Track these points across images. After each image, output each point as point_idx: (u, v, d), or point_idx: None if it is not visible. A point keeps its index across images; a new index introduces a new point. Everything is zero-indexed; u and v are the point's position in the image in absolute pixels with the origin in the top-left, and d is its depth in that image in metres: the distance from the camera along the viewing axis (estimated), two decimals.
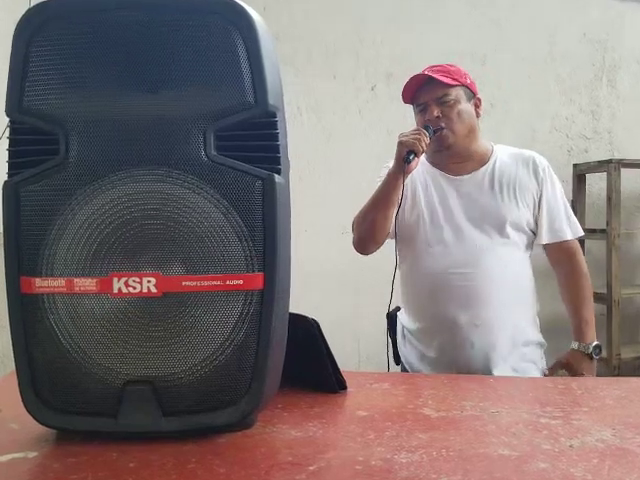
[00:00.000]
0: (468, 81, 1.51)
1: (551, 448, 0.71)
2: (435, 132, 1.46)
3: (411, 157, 1.40)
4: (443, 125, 1.47)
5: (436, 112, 1.46)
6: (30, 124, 0.71)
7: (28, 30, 0.71)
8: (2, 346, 2.28)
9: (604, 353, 2.80)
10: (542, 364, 1.53)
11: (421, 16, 2.97)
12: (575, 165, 3.05)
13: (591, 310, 1.52)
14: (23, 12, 0.71)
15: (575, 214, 1.59)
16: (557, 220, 1.51)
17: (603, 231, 2.84)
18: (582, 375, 1.44)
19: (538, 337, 1.53)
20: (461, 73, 1.51)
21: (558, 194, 1.53)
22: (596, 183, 3.09)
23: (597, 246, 2.89)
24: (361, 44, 2.95)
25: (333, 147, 2.92)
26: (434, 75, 1.46)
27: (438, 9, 2.98)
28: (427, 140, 1.42)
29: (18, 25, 0.72)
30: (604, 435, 0.75)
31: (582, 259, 1.55)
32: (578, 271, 1.53)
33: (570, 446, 0.71)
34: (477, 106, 1.54)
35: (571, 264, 1.53)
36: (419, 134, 1.41)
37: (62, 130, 0.71)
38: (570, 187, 2.98)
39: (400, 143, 1.42)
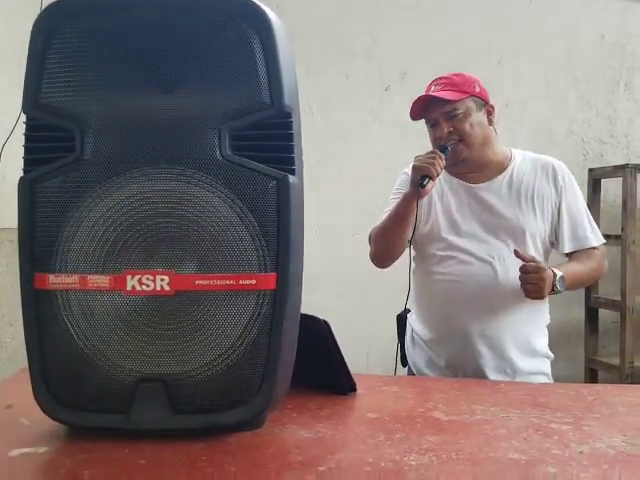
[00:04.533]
0: (477, 90, 1.47)
1: (561, 453, 0.70)
2: (451, 149, 1.43)
3: (425, 182, 1.38)
4: (456, 139, 1.44)
5: (447, 128, 1.44)
6: (46, 121, 0.72)
7: (46, 28, 0.72)
8: (13, 342, 2.30)
9: (617, 361, 2.77)
10: (549, 375, 1.51)
11: (436, 16, 2.96)
12: (590, 170, 3.02)
13: (583, 278, 1.48)
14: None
15: None
16: (580, 228, 1.48)
17: (618, 237, 2.80)
18: (532, 283, 1.35)
19: (546, 350, 1.51)
20: (469, 83, 1.47)
21: (579, 202, 1.50)
22: (612, 188, 3.06)
23: (612, 253, 2.83)
24: (374, 44, 2.94)
25: (345, 147, 2.91)
26: (438, 94, 1.43)
27: (453, 8, 2.96)
28: (443, 163, 1.39)
29: (36, 22, 0.73)
30: (615, 442, 0.74)
31: (605, 263, 1.53)
32: (598, 264, 1.49)
33: (580, 452, 0.71)
34: (490, 113, 1.50)
35: (596, 260, 1.49)
36: (434, 158, 1.39)
37: (78, 127, 0.71)
38: (585, 192, 2.95)
39: (414, 168, 1.40)
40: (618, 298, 2.77)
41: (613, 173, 2.92)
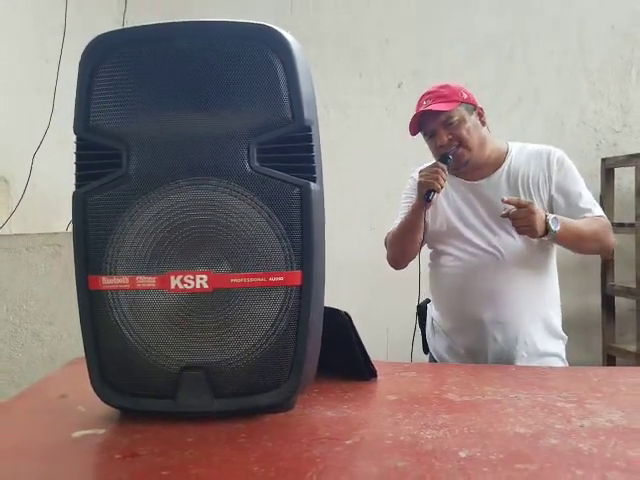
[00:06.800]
0: (465, 96, 1.56)
1: (563, 427, 0.78)
2: (453, 156, 1.53)
3: (430, 196, 1.50)
4: (456, 145, 1.53)
5: (446, 137, 1.53)
6: (95, 141, 0.82)
7: (93, 58, 0.81)
8: (52, 340, 2.42)
9: (634, 348, 2.81)
10: (564, 357, 1.58)
11: (447, 12, 3.01)
12: (604, 159, 3.05)
13: (582, 230, 1.47)
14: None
15: (603, 209, 1.58)
16: (580, 200, 1.51)
17: (632, 225, 2.84)
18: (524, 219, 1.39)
19: (560, 331, 1.59)
20: (456, 92, 1.56)
21: (578, 183, 1.54)
22: (625, 177, 3.08)
23: (626, 241, 2.88)
24: (387, 42, 3.01)
25: (360, 145, 2.99)
26: (431, 107, 1.52)
27: (464, 4, 3.01)
28: (445, 175, 1.50)
29: (84, 53, 0.82)
30: (614, 416, 0.81)
31: (612, 235, 1.51)
32: (602, 227, 1.49)
33: (581, 426, 0.78)
34: (480, 115, 1.59)
35: (600, 223, 1.49)
36: (437, 172, 1.49)
37: (124, 146, 0.80)
38: (598, 181, 2.99)
39: (419, 184, 1.52)
40: (634, 285, 2.81)
41: (626, 162, 2.94)
